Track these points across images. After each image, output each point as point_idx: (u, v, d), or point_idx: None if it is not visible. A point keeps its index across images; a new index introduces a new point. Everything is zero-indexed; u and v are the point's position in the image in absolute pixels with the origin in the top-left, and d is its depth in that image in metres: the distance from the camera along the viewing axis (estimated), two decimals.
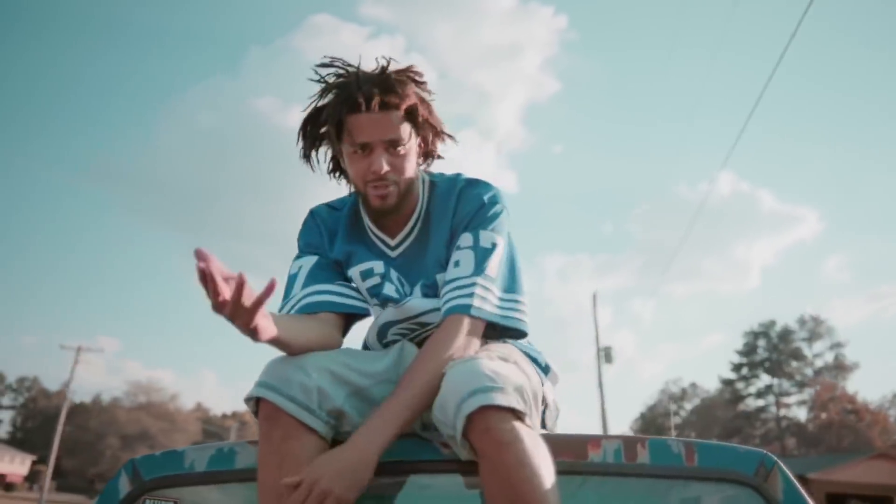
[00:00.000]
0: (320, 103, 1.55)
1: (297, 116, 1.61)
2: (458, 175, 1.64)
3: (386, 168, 1.49)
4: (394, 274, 1.59)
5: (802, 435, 52.35)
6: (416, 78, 1.56)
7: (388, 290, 1.57)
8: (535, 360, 1.57)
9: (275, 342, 1.27)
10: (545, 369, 1.60)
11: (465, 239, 1.53)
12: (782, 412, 54.09)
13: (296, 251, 1.66)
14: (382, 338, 1.61)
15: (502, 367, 1.26)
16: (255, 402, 1.31)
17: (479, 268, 1.49)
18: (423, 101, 1.56)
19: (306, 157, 1.60)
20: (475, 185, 1.60)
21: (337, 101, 1.50)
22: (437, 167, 1.69)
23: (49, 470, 31.37)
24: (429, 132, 1.59)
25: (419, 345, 1.57)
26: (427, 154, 1.63)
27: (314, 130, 1.57)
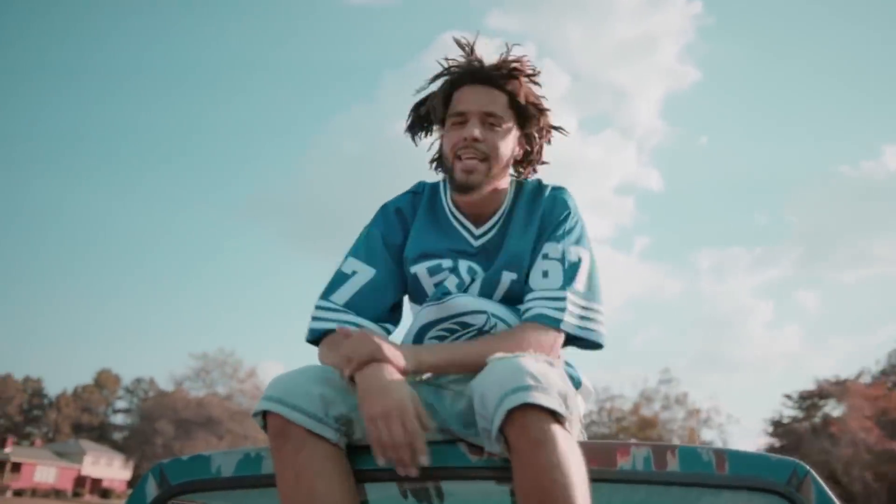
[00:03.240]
0: (435, 87, 1.63)
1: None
2: (541, 181, 1.67)
3: (477, 134, 1.52)
4: (464, 266, 1.58)
5: None
6: (526, 68, 1.61)
7: (449, 282, 1.56)
8: (569, 375, 1.55)
9: None
10: (577, 383, 1.58)
11: (554, 250, 1.55)
12: None
13: (360, 233, 1.65)
14: (418, 343, 1.56)
15: (548, 369, 1.26)
16: (263, 417, 1.32)
17: (568, 281, 1.51)
18: (529, 89, 1.61)
19: (411, 131, 1.67)
20: (561, 192, 1.63)
21: (447, 79, 1.59)
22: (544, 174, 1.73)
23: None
24: (533, 127, 1.63)
25: None
26: (529, 159, 1.67)
27: (424, 109, 1.64)
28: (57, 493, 53.56)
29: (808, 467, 1.39)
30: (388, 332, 1.58)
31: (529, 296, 1.52)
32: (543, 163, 1.69)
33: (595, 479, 1.28)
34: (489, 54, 1.61)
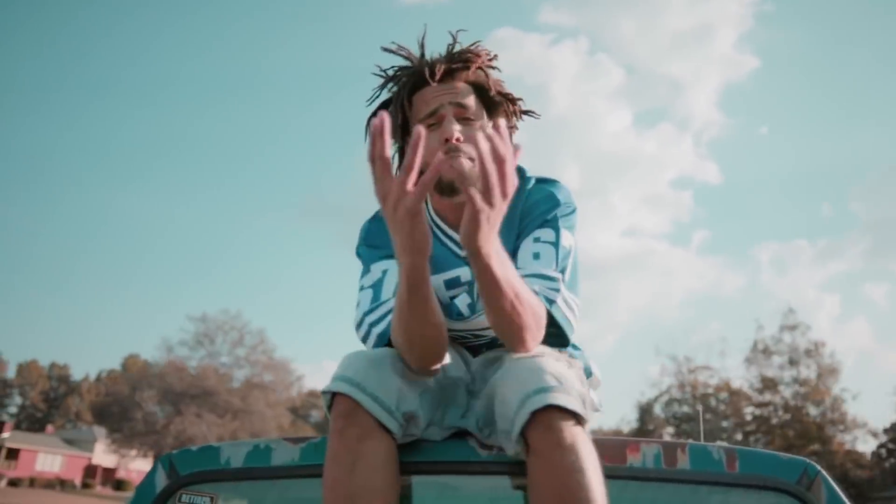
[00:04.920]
0: (385, 97, 1.52)
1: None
2: (523, 170, 1.56)
3: (458, 134, 1.41)
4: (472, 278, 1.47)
5: None
6: (483, 54, 1.51)
7: (462, 301, 1.50)
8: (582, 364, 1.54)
9: (419, 266, 1.17)
10: (588, 372, 1.56)
11: (547, 234, 1.47)
12: None
13: (367, 253, 1.54)
14: None
15: (566, 371, 1.24)
16: (331, 397, 1.26)
17: (561, 267, 1.45)
18: (496, 79, 1.51)
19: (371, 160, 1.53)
20: (548, 182, 1.55)
21: (402, 83, 1.48)
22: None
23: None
24: (501, 110, 1.52)
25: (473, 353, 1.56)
26: None
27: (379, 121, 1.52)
28: (62, 483, 47.70)
29: (818, 467, 1.38)
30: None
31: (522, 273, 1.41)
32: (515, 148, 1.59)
33: (605, 475, 1.27)
34: (438, 52, 1.50)
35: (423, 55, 1.50)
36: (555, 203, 1.50)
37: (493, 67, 1.53)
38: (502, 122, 1.11)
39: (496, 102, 1.52)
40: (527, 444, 1.19)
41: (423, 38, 1.51)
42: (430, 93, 1.46)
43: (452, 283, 1.52)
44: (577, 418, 1.18)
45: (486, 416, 1.34)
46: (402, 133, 1.50)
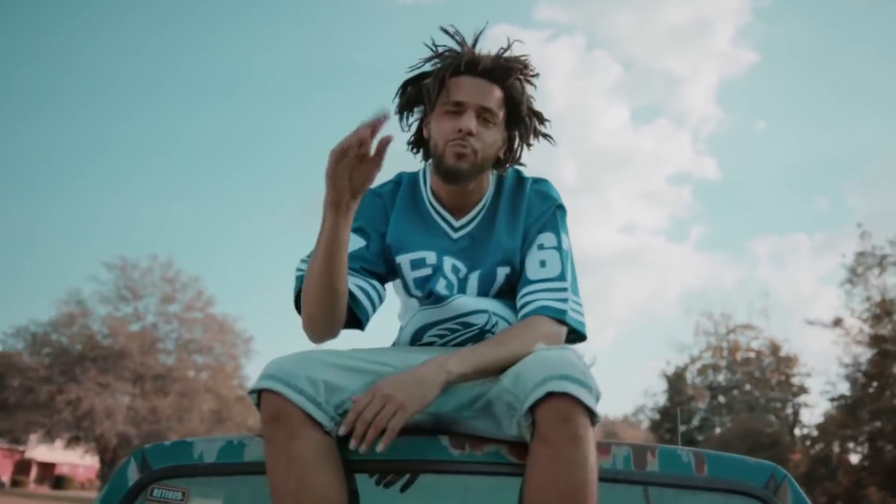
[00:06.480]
0: (428, 67, 1.59)
1: None
2: (520, 172, 1.64)
3: (473, 129, 1.50)
4: (448, 264, 1.55)
5: None
6: (527, 69, 1.58)
7: (440, 285, 1.53)
8: None
9: (337, 240, 1.36)
10: None
11: (549, 239, 1.55)
12: None
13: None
14: (417, 342, 1.55)
15: (588, 371, 1.26)
16: (259, 396, 1.30)
17: (565, 272, 1.52)
18: (526, 89, 1.59)
19: (400, 113, 1.63)
20: (544, 183, 1.62)
21: (444, 62, 1.55)
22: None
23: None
24: (522, 127, 1.60)
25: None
26: (510, 157, 1.63)
27: (413, 90, 1.60)
28: None
29: (785, 472, 1.41)
30: (380, 298, 1.57)
31: (528, 287, 1.51)
32: (520, 164, 1.65)
33: None
34: (488, 49, 1.58)
35: (474, 45, 1.57)
36: (551, 202, 1.58)
37: (532, 83, 1.60)
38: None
39: (521, 117, 1.59)
40: (533, 429, 1.21)
41: (479, 33, 1.58)
42: (466, 83, 1.53)
43: (417, 264, 1.56)
44: (592, 417, 1.21)
45: (469, 399, 1.37)
46: (432, 104, 1.57)
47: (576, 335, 1.54)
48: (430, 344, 1.54)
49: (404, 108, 1.62)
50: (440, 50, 1.57)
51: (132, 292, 28.13)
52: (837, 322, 24.62)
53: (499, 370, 1.35)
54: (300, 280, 1.50)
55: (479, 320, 1.50)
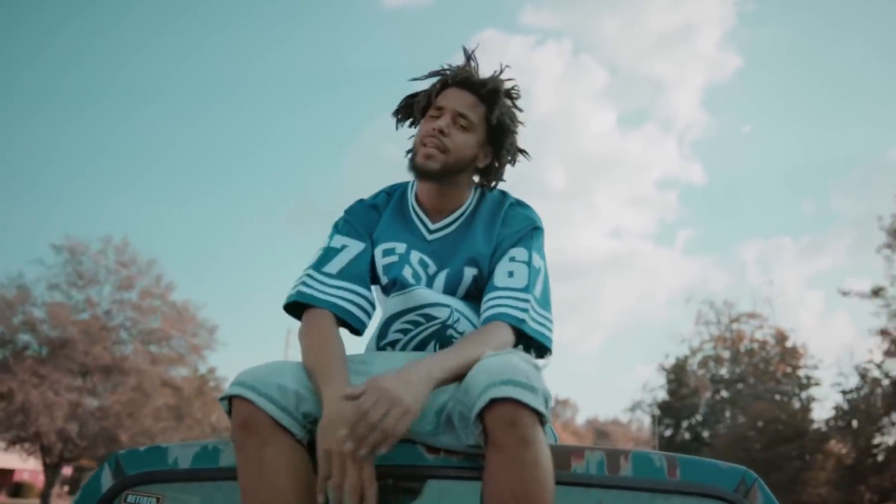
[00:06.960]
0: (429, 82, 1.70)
1: None
2: (504, 192, 1.74)
3: (443, 126, 1.60)
4: (416, 257, 1.61)
5: None
6: (511, 90, 1.70)
7: (405, 272, 1.59)
8: None
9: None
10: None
11: (521, 253, 1.61)
12: None
13: (343, 221, 1.68)
14: (382, 338, 1.60)
15: (535, 373, 1.27)
16: (229, 403, 1.31)
17: (531, 286, 1.56)
18: (507, 108, 1.67)
19: (396, 115, 1.74)
20: (525, 206, 1.71)
21: (440, 79, 1.68)
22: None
23: None
24: (501, 143, 1.67)
25: (419, 348, 1.57)
26: (491, 172, 1.71)
27: (412, 101, 1.72)
28: None
29: (755, 475, 1.43)
30: (373, 304, 1.62)
31: (493, 293, 1.56)
32: (502, 179, 1.73)
33: None
34: (486, 67, 1.70)
35: (467, 62, 1.69)
36: (529, 223, 1.65)
37: (516, 105, 1.71)
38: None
39: (498, 130, 1.67)
40: (486, 436, 1.22)
41: (472, 51, 1.70)
42: (451, 93, 1.65)
43: (387, 252, 1.64)
44: (540, 418, 1.22)
45: (442, 407, 1.38)
46: (422, 113, 1.69)
47: (543, 349, 1.58)
48: (394, 342, 1.58)
49: (400, 114, 1.74)
50: (444, 68, 1.69)
51: (82, 277, 24.14)
52: (877, 292, 21.83)
53: (460, 376, 1.35)
54: (301, 296, 1.55)
55: (442, 314, 1.55)
